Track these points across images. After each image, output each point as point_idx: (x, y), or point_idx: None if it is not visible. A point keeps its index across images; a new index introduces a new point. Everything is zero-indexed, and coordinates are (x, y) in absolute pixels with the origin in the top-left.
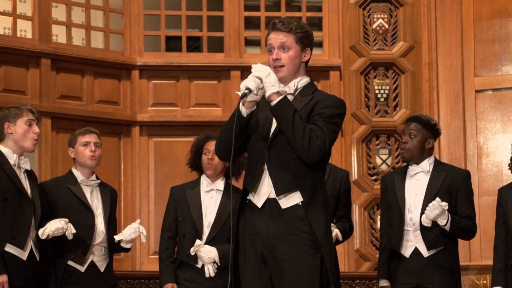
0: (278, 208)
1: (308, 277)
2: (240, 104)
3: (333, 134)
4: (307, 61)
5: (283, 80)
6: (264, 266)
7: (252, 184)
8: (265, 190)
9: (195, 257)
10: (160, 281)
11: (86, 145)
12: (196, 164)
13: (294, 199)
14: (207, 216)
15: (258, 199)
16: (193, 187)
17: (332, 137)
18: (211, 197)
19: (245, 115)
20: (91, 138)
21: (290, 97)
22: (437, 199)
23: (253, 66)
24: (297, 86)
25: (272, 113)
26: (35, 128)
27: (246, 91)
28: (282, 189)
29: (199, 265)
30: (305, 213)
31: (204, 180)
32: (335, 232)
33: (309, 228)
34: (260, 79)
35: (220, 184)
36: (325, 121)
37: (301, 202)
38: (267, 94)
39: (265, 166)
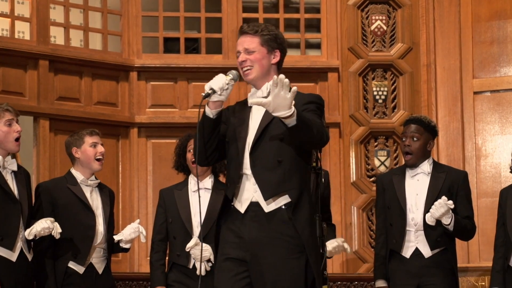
0: (261, 212)
1: (291, 281)
2: (206, 106)
3: (323, 122)
4: (279, 63)
5: (254, 82)
6: (245, 272)
7: (232, 190)
8: (247, 195)
9: (186, 258)
10: (150, 284)
11: (95, 146)
12: (182, 165)
13: (279, 203)
14: (196, 216)
15: (241, 205)
16: (181, 188)
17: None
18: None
19: (211, 115)
20: (98, 139)
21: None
22: (443, 197)
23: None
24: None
25: (293, 131)
26: (16, 127)
27: (209, 91)
28: (270, 193)
29: (190, 266)
30: (289, 216)
31: (191, 180)
32: (348, 248)
33: (293, 231)
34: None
35: (207, 182)
36: (314, 113)
37: (284, 205)
38: (279, 116)
39: (243, 171)
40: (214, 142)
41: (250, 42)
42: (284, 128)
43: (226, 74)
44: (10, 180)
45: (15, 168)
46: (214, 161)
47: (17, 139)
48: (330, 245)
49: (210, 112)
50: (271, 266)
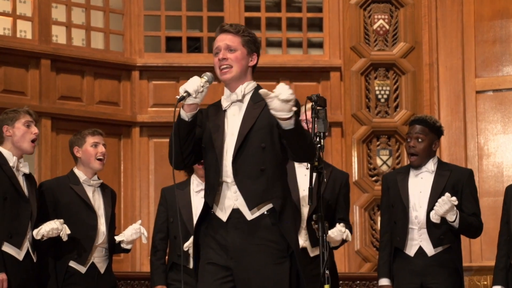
0: (244, 219)
1: (277, 286)
2: (181, 108)
3: None
4: (254, 67)
5: (229, 83)
6: (229, 277)
7: (212, 197)
8: (228, 203)
9: (187, 258)
10: (151, 283)
11: (96, 146)
12: None
13: (261, 210)
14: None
15: (223, 213)
16: (183, 187)
17: None
18: (201, 197)
19: (186, 118)
20: (100, 139)
21: (239, 104)
22: (447, 194)
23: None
24: (244, 91)
25: (291, 133)
26: (34, 129)
27: (184, 94)
28: (254, 202)
29: (191, 266)
30: (273, 221)
31: (194, 180)
32: (346, 232)
33: (276, 236)
34: (286, 100)
35: None
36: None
37: (267, 211)
38: (278, 116)
39: (223, 179)
40: (190, 144)
41: (233, 40)
42: (265, 135)
43: (201, 76)
44: (22, 181)
45: (27, 171)
46: (190, 164)
47: (33, 141)
48: (330, 231)
49: (186, 115)
50: (256, 273)
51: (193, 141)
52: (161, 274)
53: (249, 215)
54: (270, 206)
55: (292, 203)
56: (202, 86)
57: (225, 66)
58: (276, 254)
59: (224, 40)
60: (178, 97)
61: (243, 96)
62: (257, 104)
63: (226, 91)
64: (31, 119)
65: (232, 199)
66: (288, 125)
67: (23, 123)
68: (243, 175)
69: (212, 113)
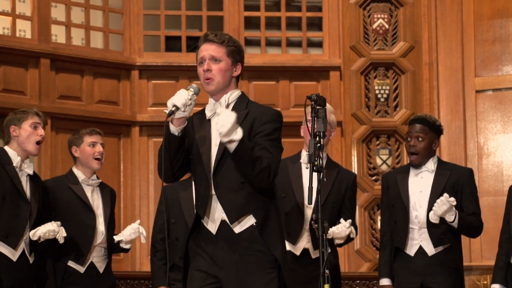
0: (232, 231)
1: None
2: (170, 123)
3: (279, 152)
4: (238, 76)
5: (213, 94)
6: (217, 283)
7: (202, 210)
8: (217, 215)
9: None
10: (152, 284)
11: (94, 146)
12: None
13: (247, 222)
14: None
15: (213, 226)
16: (186, 188)
17: (279, 156)
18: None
19: (176, 133)
20: (98, 139)
21: None
22: (445, 194)
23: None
24: (228, 101)
25: (231, 158)
26: (40, 131)
27: (173, 109)
28: (235, 216)
29: None
30: (260, 233)
31: None
32: (351, 229)
33: (265, 247)
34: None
35: None
36: (268, 140)
37: (255, 223)
38: (222, 140)
39: (212, 192)
40: (180, 159)
41: (217, 50)
42: None
43: (187, 89)
44: (25, 182)
45: (31, 172)
46: (180, 177)
47: (38, 143)
48: (334, 227)
49: (175, 129)
50: (245, 283)
51: (183, 154)
52: (163, 275)
53: (235, 228)
54: (252, 218)
55: (277, 215)
56: (190, 99)
57: (209, 77)
58: (265, 265)
59: (208, 50)
60: (166, 111)
61: (227, 105)
62: (240, 114)
63: (211, 100)
64: (39, 121)
65: (220, 211)
66: (229, 148)
67: (30, 124)
68: (224, 188)
69: (197, 123)
